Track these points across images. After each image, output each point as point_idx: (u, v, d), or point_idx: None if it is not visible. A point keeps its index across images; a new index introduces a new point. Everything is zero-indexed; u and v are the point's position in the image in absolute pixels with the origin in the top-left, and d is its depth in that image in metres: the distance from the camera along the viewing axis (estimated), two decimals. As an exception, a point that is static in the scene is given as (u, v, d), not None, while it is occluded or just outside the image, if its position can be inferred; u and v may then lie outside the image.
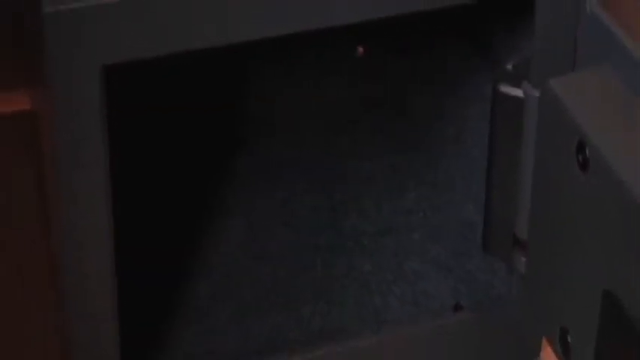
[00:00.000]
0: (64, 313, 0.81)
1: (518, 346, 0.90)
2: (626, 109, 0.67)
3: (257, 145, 0.90)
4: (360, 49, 1.00)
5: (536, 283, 0.75)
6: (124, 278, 0.76)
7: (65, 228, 0.77)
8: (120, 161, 0.76)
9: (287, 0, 0.72)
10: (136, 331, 0.81)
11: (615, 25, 0.69)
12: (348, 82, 1.04)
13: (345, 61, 1.03)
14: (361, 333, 0.82)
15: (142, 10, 0.69)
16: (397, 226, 0.88)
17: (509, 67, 0.78)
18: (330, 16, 0.70)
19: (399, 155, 0.84)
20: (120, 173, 0.76)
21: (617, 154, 0.64)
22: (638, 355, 0.65)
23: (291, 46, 0.86)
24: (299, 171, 0.87)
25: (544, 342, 0.80)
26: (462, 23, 0.83)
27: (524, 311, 0.74)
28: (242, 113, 0.93)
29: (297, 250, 0.86)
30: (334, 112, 1.03)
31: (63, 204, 0.76)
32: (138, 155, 0.93)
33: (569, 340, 0.72)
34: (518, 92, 0.73)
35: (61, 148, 0.76)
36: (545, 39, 0.74)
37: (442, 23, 0.90)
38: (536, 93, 0.70)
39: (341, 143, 0.94)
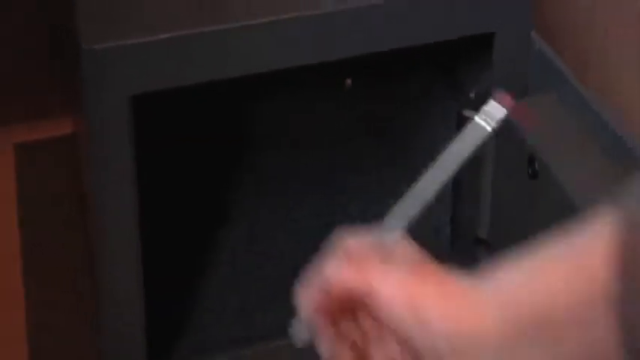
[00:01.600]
0: (98, 301, 0.88)
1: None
2: (568, 130, 0.76)
3: (261, 161, 0.96)
4: (349, 81, 1.07)
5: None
6: (148, 278, 0.83)
7: (98, 234, 0.84)
8: (144, 176, 0.83)
9: (294, 36, 0.79)
10: (159, 321, 0.88)
11: (559, 60, 0.78)
12: (339, 108, 1.10)
13: (337, 91, 1.09)
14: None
15: (163, 49, 0.77)
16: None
17: (471, 95, 0.86)
18: (329, 52, 0.78)
19: (382, 170, 0.90)
20: (144, 185, 0.83)
21: (561, 166, 0.73)
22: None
23: (291, 77, 0.91)
24: (298, 183, 0.92)
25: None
26: (434, 59, 0.88)
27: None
28: (248, 135, 0.98)
29: (295, 252, 0.93)
30: (328, 134, 1.09)
31: (95, 214, 0.83)
32: (158, 170, 0.97)
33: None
34: (479, 116, 0.81)
35: (94, 166, 0.83)
36: (502, 71, 0.82)
37: (418, 59, 0.95)
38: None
39: (333, 161, 1.01)
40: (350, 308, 0.54)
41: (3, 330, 1.05)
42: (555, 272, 0.52)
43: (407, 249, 0.56)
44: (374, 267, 0.54)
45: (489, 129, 0.62)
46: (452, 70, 0.90)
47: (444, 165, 0.58)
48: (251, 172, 0.99)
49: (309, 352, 0.90)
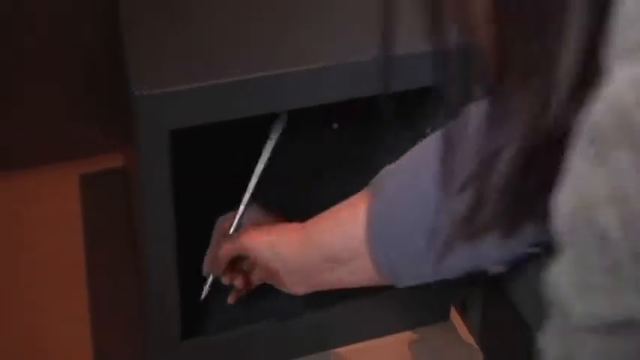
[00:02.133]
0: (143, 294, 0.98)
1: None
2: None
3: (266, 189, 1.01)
4: (335, 125, 1.20)
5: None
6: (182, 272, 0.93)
7: (148, 247, 0.92)
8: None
9: (301, 83, 0.86)
10: (189, 306, 0.98)
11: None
12: (329, 144, 1.21)
13: (326, 131, 1.21)
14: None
15: (199, 96, 0.84)
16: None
17: (428, 131, 0.93)
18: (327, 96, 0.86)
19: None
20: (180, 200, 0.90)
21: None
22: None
23: (296, 117, 0.97)
24: (300, 205, 0.96)
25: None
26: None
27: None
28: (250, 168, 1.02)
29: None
30: (319, 165, 1.20)
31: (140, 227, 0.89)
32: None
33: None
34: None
35: (139, 190, 0.89)
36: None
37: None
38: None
39: (324, 188, 1.09)
40: (237, 258, 0.98)
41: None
42: (335, 224, 0.87)
43: (257, 216, 1.00)
44: (246, 234, 0.95)
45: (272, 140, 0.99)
46: (411, 112, 0.96)
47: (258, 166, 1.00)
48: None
49: (328, 327, 1.06)
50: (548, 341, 0.47)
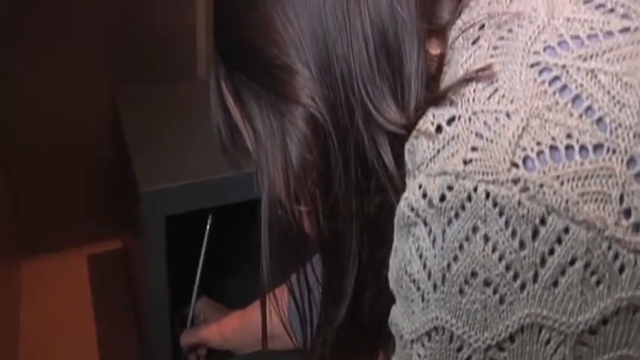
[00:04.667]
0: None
1: None
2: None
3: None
4: None
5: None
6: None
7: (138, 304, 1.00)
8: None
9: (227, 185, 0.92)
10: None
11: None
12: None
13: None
14: None
15: (190, 189, 0.93)
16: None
17: None
18: None
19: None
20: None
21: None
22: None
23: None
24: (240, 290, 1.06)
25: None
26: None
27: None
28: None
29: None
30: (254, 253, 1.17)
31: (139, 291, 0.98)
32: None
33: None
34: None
35: (139, 266, 0.97)
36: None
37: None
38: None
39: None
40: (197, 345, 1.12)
41: None
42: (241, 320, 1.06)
43: (206, 307, 1.15)
44: (201, 329, 1.09)
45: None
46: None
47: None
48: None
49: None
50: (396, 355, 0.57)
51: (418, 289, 0.51)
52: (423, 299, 0.51)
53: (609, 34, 0.50)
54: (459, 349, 0.50)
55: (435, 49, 0.56)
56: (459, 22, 0.55)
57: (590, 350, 0.48)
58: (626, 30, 0.50)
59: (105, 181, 1.39)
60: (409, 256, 0.51)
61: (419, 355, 0.53)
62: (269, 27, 0.57)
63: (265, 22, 0.57)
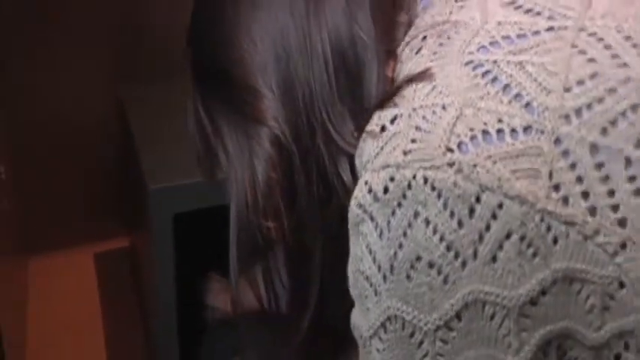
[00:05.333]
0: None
1: None
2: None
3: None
4: None
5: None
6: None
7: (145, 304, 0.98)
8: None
9: None
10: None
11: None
12: None
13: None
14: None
15: (195, 187, 0.92)
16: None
17: None
18: None
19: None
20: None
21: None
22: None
23: None
24: None
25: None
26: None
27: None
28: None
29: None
30: None
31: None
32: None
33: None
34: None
35: (147, 265, 0.97)
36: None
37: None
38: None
39: None
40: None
41: None
42: None
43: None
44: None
45: None
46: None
47: None
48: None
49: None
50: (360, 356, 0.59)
51: (371, 284, 0.53)
52: (375, 293, 0.53)
53: (536, 32, 0.53)
54: (412, 335, 0.52)
55: (390, 72, 0.59)
56: (406, 38, 0.59)
57: (532, 322, 0.50)
58: (551, 29, 0.53)
59: (108, 179, 1.39)
60: (360, 254, 0.53)
61: (377, 350, 0.54)
62: (234, 47, 0.59)
63: (230, 42, 0.59)
